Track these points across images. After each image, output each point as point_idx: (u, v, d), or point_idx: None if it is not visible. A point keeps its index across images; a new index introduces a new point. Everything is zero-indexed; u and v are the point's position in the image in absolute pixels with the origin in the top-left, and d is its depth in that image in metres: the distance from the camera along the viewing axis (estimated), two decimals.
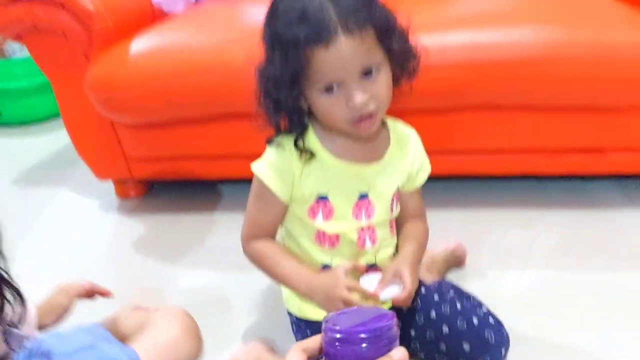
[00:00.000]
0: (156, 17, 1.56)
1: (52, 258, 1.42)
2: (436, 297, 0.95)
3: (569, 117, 1.27)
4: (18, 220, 1.60)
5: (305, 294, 0.87)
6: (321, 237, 0.90)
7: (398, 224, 0.97)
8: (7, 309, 0.70)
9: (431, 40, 1.20)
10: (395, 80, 0.83)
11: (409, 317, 0.93)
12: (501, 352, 0.91)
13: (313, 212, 0.88)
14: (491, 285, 1.16)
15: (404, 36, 0.81)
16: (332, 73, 0.75)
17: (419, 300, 0.94)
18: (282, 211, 0.90)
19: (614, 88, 1.18)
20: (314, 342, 0.54)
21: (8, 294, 0.72)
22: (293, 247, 0.94)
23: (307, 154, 0.85)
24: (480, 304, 0.99)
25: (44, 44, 1.41)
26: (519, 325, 1.00)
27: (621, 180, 1.47)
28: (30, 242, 1.50)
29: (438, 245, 1.20)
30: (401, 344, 0.79)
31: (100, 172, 1.59)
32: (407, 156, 0.92)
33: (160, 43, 1.38)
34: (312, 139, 0.86)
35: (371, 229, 0.91)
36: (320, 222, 0.88)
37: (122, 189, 1.64)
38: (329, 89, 0.77)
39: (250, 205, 0.90)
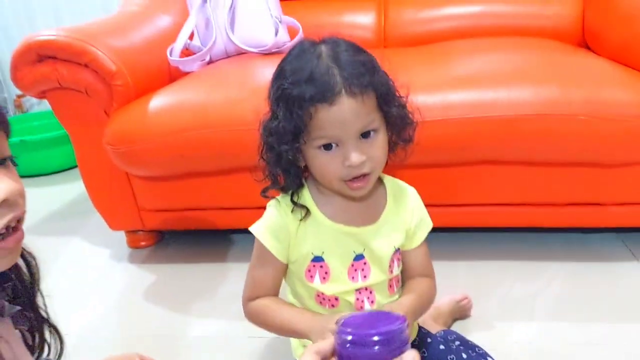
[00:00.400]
0: (173, 76, 1.64)
1: (64, 307, 1.42)
2: (442, 347, 0.97)
3: (567, 172, 1.32)
4: None
5: (305, 333, 0.83)
6: (321, 299, 0.91)
7: (403, 281, 0.97)
8: (45, 349, 0.72)
9: (434, 99, 1.28)
10: (392, 146, 0.86)
11: None
12: None
13: (310, 274, 0.89)
14: (497, 336, 1.18)
15: (401, 104, 0.85)
16: (332, 131, 0.78)
17: (425, 350, 0.96)
18: (281, 271, 0.91)
19: (608, 144, 1.24)
20: (327, 344, 0.57)
21: (47, 334, 0.75)
22: (298, 305, 0.96)
23: (302, 210, 0.87)
24: (485, 354, 1.01)
25: (66, 101, 1.48)
26: None
27: (622, 233, 1.50)
28: (43, 291, 1.52)
29: (444, 297, 1.22)
30: None
31: (114, 222, 1.63)
32: (405, 214, 0.92)
33: (175, 100, 1.45)
34: (307, 198, 0.88)
35: (369, 290, 0.90)
36: (317, 284, 0.89)
37: (134, 238, 1.68)
38: (327, 147, 0.79)
39: (251, 266, 0.92)
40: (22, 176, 2.29)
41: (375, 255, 0.89)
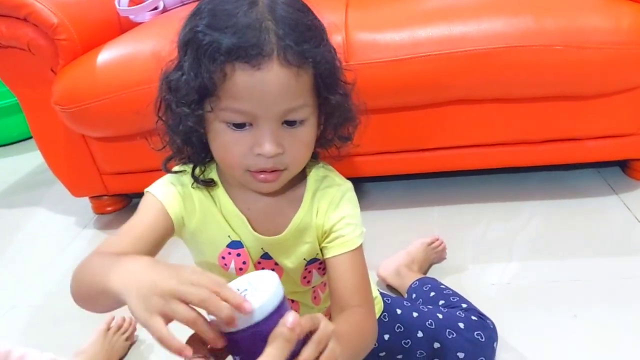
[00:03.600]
0: (123, 27, 1.53)
1: (29, 277, 1.38)
2: (415, 314, 0.91)
3: (543, 108, 1.26)
4: None
5: (117, 289, 0.51)
6: None
7: (332, 306, 0.70)
8: None
9: (401, 35, 1.20)
10: (324, 142, 0.70)
11: (395, 342, 0.88)
12: (493, 348, 0.90)
13: (225, 262, 0.72)
14: (474, 278, 1.15)
15: (346, 92, 0.67)
16: (248, 104, 0.59)
17: (399, 325, 0.89)
18: (161, 229, 0.67)
19: (585, 74, 1.18)
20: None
21: None
22: None
23: (207, 188, 0.70)
24: (461, 301, 0.98)
25: (10, 60, 1.38)
26: (505, 316, 0.98)
27: (600, 168, 1.47)
28: (7, 262, 1.47)
29: (414, 242, 1.18)
30: None
31: (76, 189, 1.56)
32: (319, 214, 0.71)
33: (127, 53, 1.35)
34: (214, 176, 0.71)
35: (289, 300, 0.75)
36: (233, 274, 0.72)
37: (99, 204, 1.61)
38: (237, 124, 0.61)
39: (130, 220, 0.67)
40: None
41: (285, 265, 0.73)
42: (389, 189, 1.52)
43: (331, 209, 0.70)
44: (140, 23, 1.55)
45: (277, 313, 0.45)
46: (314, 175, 0.73)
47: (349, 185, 0.73)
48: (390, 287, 1.13)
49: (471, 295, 1.02)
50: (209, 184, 0.70)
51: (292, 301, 0.79)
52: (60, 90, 1.30)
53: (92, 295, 0.57)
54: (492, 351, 0.90)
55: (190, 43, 0.61)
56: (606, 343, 0.94)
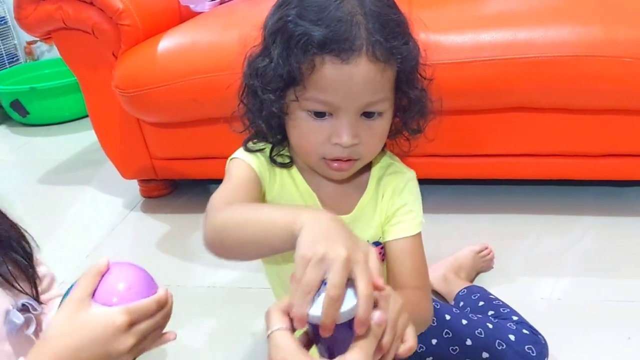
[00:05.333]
0: (183, 16, 1.55)
1: (76, 255, 1.41)
2: (465, 322, 0.89)
3: (606, 121, 1.22)
4: (42, 218, 1.61)
5: (301, 225, 0.49)
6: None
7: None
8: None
9: (464, 38, 1.18)
10: (393, 133, 0.71)
11: (443, 348, 0.87)
12: None
13: None
14: (522, 290, 1.12)
15: (423, 88, 0.68)
16: (333, 96, 0.61)
17: (448, 331, 0.88)
18: (257, 190, 0.69)
19: None
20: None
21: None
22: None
23: (283, 167, 0.71)
24: (511, 313, 0.96)
25: (73, 42, 1.41)
26: (555, 332, 0.96)
27: None
28: (55, 241, 1.50)
29: (463, 248, 1.17)
30: None
31: (126, 171, 1.59)
32: (385, 199, 0.73)
33: (187, 42, 1.37)
34: (288, 154, 0.73)
35: None
36: None
37: (147, 188, 1.64)
38: (319, 114, 0.63)
39: (221, 186, 0.68)
40: (34, 124, 2.30)
41: None
42: (438, 192, 1.50)
43: (395, 195, 0.73)
44: (200, 13, 1.57)
45: None
46: (379, 162, 0.75)
47: (412, 174, 0.76)
48: (435, 293, 1.12)
49: (519, 309, 0.99)
50: (285, 165, 0.71)
51: None
52: (121, 74, 1.33)
53: (256, 241, 0.55)
54: None
55: (281, 32, 0.62)
56: None
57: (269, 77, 0.63)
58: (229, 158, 0.73)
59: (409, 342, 0.50)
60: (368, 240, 0.73)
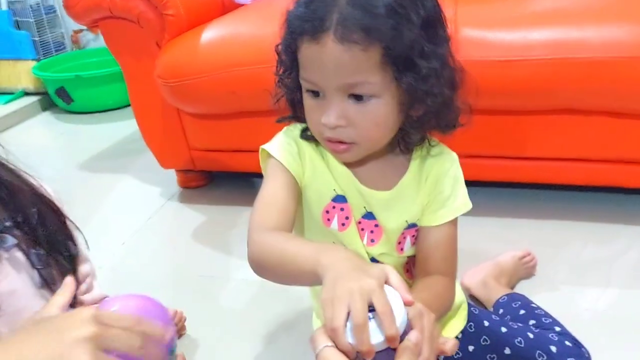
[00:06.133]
0: (226, 7, 1.55)
1: (113, 242, 1.44)
2: (504, 330, 0.86)
3: None
4: (82, 204, 1.63)
5: (322, 269, 0.54)
6: None
7: (416, 273, 0.77)
8: None
9: (513, 36, 1.15)
10: (417, 125, 0.67)
11: (480, 355, 0.84)
12: None
13: (328, 216, 0.73)
14: (565, 300, 1.08)
15: (439, 76, 0.63)
16: (312, 74, 0.64)
17: (485, 338, 0.85)
18: (294, 192, 0.71)
19: None
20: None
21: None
22: None
23: (316, 143, 0.72)
24: (554, 323, 0.92)
25: (118, 31, 1.43)
26: (599, 346, 0.91)
27: None
28: (93, 227, 1.52)
29: (505, 254, 1.13)
30: None
31: (165, 161, 1.60)
32: (429, 184, 0.73)
33: (228, 33, 1.37)
34: None
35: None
36: (335, 230, 0.73)
37: (184, 178, 1.65)
38: (314, 92, 0.65)
39: (260, 191, 0.72)
40: (78, 112, 2.33)
41: (384, 224, 0.73)
42: (479, 195, 1.43)
43: (438, 181, 0.73)
44: (243, 5, 1.57)
45: (404, 332, 0.50)
46: (420, 145, 0.72)
47: (454, 156, 0.75)
48: (474, 299, 1.08)
49: (562, 319, 0.95)
50: (316, 141, 0.72)
51: None
52: (164, 64, 1.33)
53: (287, 272, 0.61)
54: None
55: (286, 18, 0.67)
56: None
57: (281, 57, 0.69)
58: (261, 148, 0.74)
59: (451, 340, 0.56)
60: (407, 221, 0.74)
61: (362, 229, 0.73)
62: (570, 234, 1.27)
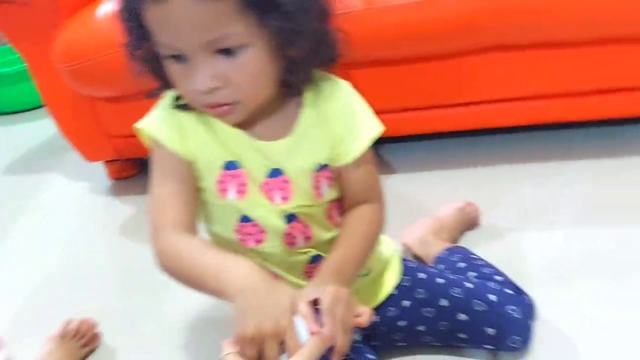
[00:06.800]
0: None
1: (44, 243, 1.35)
2: (441, 281, 0.81)
3: (595, 53, 1.11)
4: (8, 207, 1.54)
5: (229, 292, 0.57)
6: (242, 232, 0.70)
7: (344, 208, 0.75)
8: None
9: None
10: (293, 67, 0.63)
11: (415, 310, 0.80)
12: (529, 326, 0.79)
13: (222, 186, 0.68)
14: (512, 247, 1.03)
15: (306, 10, 0.59)
16: (164, 35, 0.58)
17: (420, 290, 0.81)
18: (187, 174, 0.67)
19: None
20: None
21: None
22: None
23: (193, 110, 0.66)
24: (494, 272, 0.87)
25: (10, 17, 1.30)
26: (547, 291, 0.87)
27: None
28: (21, 229, 1.43)
29: (444, 207, 1.07)
30: (411, 339, 0.84)
31: (88, 154, 1.50)
32: (329, 121, 0.68)
33: None
34: None
35: (302, 223, 0.70)
36: (233, 199, 0.68)
37: (113, 169, 1.55)
38: (175, 57, 0.59)
39: (152, 186, 0.68)
40: None
41: (293, 174, 0.68)
42: (415, 150, 1.39)
43: (339, 117, 0.68)
44: None
45: None
46: (307, 83, 0.68)
47: (347, 84, 0.70)
48: (416, 258, 1.02)
49: (508, 267, 0.90)
50: (192, 109, 0.66)
51: (306, 226, 0.71)
52: (61, 46, 1.22)
53: (196, 286, 0.62)
54: (528, 329, 0.78)
55: None
56: None
57: (128, 27, 0.61)
58: (136, 127, 0.69)
59: (365, 313, 0.60)
60: (317, 162, 0.69)
61: (271, 190, 0.68)
62: (512, 178, 1.22)
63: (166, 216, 0.65)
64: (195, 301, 1.01)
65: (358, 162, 0.69)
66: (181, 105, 0.66)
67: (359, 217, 0.71)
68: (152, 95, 0.70)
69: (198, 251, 0.62)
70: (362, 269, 0.71)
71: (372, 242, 0.72)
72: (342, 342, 0.56)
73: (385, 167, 1.34)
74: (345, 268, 0.66)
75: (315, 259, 0.73)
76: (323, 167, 0.69)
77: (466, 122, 1.25)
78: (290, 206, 0.69)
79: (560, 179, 1.19)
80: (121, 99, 1.31)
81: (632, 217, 1.04)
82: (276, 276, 0.73)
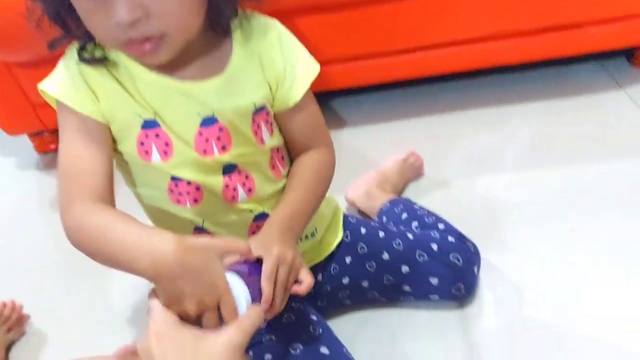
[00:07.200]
0: None
1: None
2: (382, 234, 0.78)
3: None
4: None
5: (149, 267, 0.51)
6: (176, 192, 0.64)
7: (292, 157, 0.70)
8: None
9: None
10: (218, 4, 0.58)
11: (358, 266, 0.76)
12: (474, 272, 0.76)
13: (144, 149, 0.61)
14: (458, 195, 1.00)
15: None
16: None
17: (363, 245, 0.77)
18: (100, 138, 0.60)
19: None
20: None
21: None
22: (157, 226, 0.69)
23: (101, 63, 0.59)
24: (437, 221, 0.84)
25: None
26: (492, 236, 0.84)
27: (604, 60, 1.28)
28: None
29: (386, 159, 1.02)
30: (356, 296, 0.81)
31: (9, 126, 1.38)
32: (264, 60, 0.63)
33: None
34: None
35: (243, 175, 0.65)
36: (158, 162, 0.61)
37: (40, 142, 1.44)
38: None
39: (61, 151, 0.60)
40: None
41: (230, 119, 0.62)
42: (360, 103, 1.34)
43: (271, 51, 0.63)
44: None
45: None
46: (235, 20, 0.63)
47: (276, 23, 0.65)
48: (361, 213, 0.98)
49: (454, 215, 0.87)
50: (100, 61, 0.59)
51: (246, 176, 0.65)
52: None
53: (110, 263, 0.55)
54: (473, 276, 0.75)
55: None
56: (609, 260, 0.79)
57: None
58: (39, 88, 0.62)
59: (306, 281, 0.58)
60: (253, 103, 0.62)
61: (207, 140, 0.61)
62: (459, 125, 1.19)
63: (77, 186, 0.58)
64: (133, 283, 0.94)
65: (300, 106, 0.64)
66: (88, 59, 0.58)
67: (306, 165, 0.67)
68: (54, 46, 0.61)
69: (114, 225, 0.54)
70: (309, 222, 0.66)
71: (321, 192, 0.67)
72: (278, 306, 0.55)
73: (334, 120, 1.28)
74: (294, 223, 0.62)
75: (260, 217, 0.67)
76: (260, 109, 0.63)
77: (410, 70, 1.19)
78: (229, 156, 0.62)
79: (510, 123, 1.15)
80: (38, 63, 1.20)
81: (577, 158, 1.02)
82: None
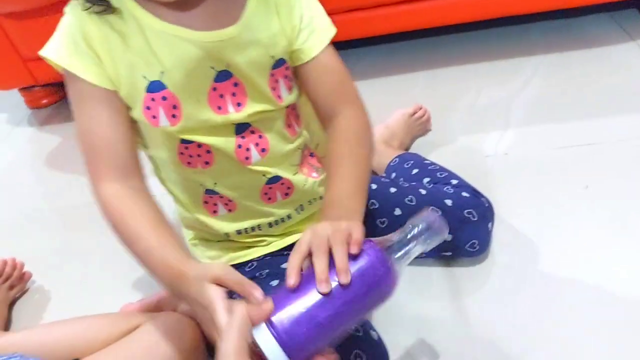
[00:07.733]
0: None
1: None
2: (393, 189, 0.76)
3: None
4: None
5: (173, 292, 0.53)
6: (186, 155, 0.61)
7: (321, 122, 0.65)
8: None
9: None
10: None
11: (369, 222, 0.71)
12: (488, 228, 0.75)
13: (152, 113, 0.58)
14: (466, 150, 0.98)
15: None
16: None
17: (373, 201, 0.74)
18: (118, 109, 0.57)
19: None
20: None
21: None
22: (169, 187, 0.68)
23: (105, 9, 0.54)
24: (450, 176, 0.82)
25: None
26: (503, 192, 0.83)
27: (614, 11, 1.24)
28: None
29: (394, 113, 0.99)
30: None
31: (0, 81, 1.33)
32: (280, 8, 0.59)
33: None
34: None
35: (257, 134, 0.61)
36: (166, 125, 0.58)
37: (31, 97, 1.41)
38: None
39: (77, 122, 0.57)
40: None
41: (246, 73, 0.58)
42: (366, 55, 1.30)
43: (291, 10, 0.59)
44: None
45: None
46: None
47: None
48: None
49: (463, 171, 0.84)
50: (108, 7, 0.54)
51: (260, 136, 0.62)
52: None
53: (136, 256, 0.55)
54: (487, 232, 0.74)
55: None
56: (622, 217, 0.78)
57: None
58: (41, 55, 0.57)
59: (355, 236, 0.47)
60: (271, 56, 0.59)
61: (221, 96, 0.58)
62: (467, 78, 1.16)
63: (100, 161, 0.56)
64: None
65: (321, 60, 0.60)
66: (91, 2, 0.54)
67: (345, 139, 0.60)
68: None
69: (139, 226, 0.54)
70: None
71: (368, 158, 0.61)
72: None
73: None
74: (357, 194, 0.57)
75: (274, 180, 0.64)
76: (279, 62, 0.59)
77: (418, 20, 1.15)
78: (244, 114, 0.59)
79: (518, 77, 1.12)
80: (28, 14, 1.14)
81: (588, 110, 1.00)
82: (231, 203, 0.66)
